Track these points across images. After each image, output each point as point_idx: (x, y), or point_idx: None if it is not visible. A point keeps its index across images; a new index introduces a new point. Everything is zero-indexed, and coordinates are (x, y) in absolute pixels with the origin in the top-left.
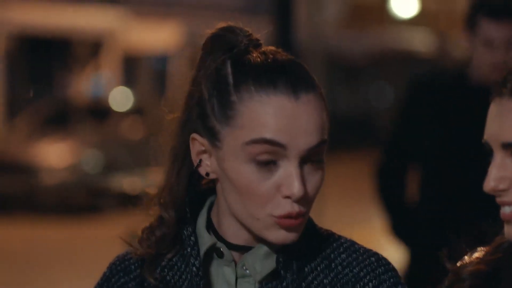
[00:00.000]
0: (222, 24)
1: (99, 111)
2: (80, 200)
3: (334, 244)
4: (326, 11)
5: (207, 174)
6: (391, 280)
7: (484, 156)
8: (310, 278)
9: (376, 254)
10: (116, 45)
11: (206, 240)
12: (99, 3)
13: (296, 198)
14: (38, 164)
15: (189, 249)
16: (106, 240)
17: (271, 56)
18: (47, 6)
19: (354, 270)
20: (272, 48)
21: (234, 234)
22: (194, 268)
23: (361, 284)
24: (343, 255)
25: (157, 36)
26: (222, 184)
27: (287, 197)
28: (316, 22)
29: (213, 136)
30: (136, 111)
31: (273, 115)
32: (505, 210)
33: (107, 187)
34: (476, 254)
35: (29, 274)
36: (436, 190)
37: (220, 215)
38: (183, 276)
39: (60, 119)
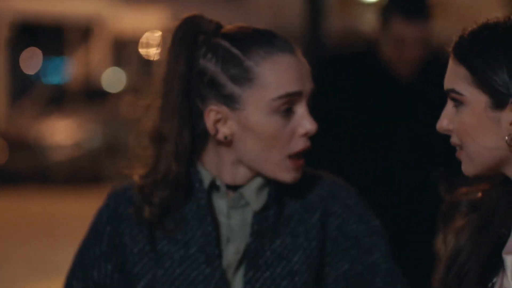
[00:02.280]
0: (186, 15)
1: (94, 92)
2: (85, 174)
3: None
4: None
5: (225, 137)
6: (345, 194)
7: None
8: (286, 208)
9: (328, 177)
10: (106, 30)
11: (206, 177)
12: None
13: (313, 132)
14: (45, 142)
15: (197, 185)
16: None
17: (249, 27)
18: None
19: (318, 192)
20: (234, 24)
21: (232, 178)
22: (202, 201)
23: (325, 202)
24: (306, 183)
25: (145, 20)
26: (239, 141)
27: (304, 134)
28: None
29: (232, 101)
30: (129, 91)
31: (287, 70)
32: (457, 149)
33: (110, 161)
34: (472, 187)
35: (43, 244)
36: (348, 174)
37: (223, 164)
38: (187, 208)
39: (59, 100)
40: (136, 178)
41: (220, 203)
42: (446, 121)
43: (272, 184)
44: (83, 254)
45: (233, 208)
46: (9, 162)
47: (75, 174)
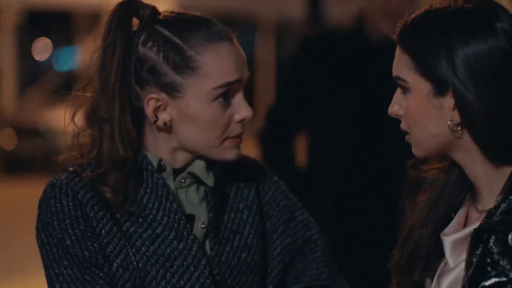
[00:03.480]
0: (118, 0)
1: None
2: None
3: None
4: None
5: (165, 124)
6: (263, 171)
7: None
8: (226, 186)
9: (250, 159)
10: None
11: (153, 159)
12: None
13: (249, 119)
14: (54, 128)
15: (150, 167)
16: None
17: (187, 14)
18: None
19: (248, 172)
20: (170, 10)
21: (173, 161)
22: (160, 181)
23: (256, 180)
24: (238, 164)
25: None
26: (178, 127)
27: (241, 120)
28: None
29: (173, 90)
30: None
31: (227, 59)
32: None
33: None
34: (432, 165)
35: None
36: (325, 153)
37: (162, 148)
38: (141, 191)
39: (68, 88)
40: (77, 166)
41: (167, 184)
42: (396, 106)
43: (214, 163)
44: (61, 244)
45: (179, 188)
46: (18, 148)
47: None
